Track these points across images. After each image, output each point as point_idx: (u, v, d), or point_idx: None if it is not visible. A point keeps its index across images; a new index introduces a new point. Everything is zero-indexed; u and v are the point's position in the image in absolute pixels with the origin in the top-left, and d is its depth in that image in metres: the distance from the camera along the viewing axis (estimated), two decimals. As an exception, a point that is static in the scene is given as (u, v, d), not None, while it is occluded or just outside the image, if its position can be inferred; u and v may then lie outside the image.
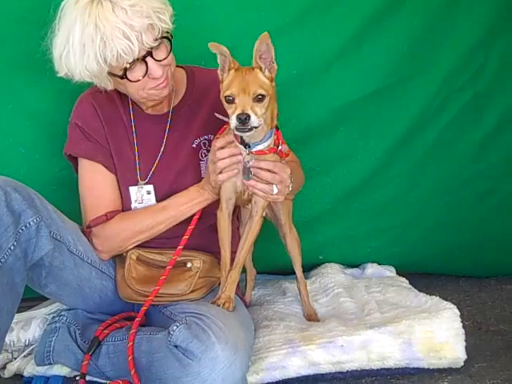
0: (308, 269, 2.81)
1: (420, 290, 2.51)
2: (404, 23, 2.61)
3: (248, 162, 1.96)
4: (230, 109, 1.86)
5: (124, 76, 2.00)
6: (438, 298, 2.34)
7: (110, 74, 2.03)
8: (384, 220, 2.83)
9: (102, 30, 1.91)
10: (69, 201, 2.26)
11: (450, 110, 2.73)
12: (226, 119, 1.99)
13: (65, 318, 2.14)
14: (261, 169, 1.97)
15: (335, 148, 2.70)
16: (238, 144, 1.98)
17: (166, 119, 2.22)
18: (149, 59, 1.99)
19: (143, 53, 1.97)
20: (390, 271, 2.83)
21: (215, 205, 2.13)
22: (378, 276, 2.78)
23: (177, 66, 2.21)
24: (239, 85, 1.84)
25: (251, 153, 1.96)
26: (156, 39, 1.97)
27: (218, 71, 1.93)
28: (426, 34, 2.64)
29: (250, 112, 1.81)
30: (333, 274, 2.73)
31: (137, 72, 2.01)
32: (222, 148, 1.99)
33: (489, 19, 2.68)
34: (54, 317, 2.17)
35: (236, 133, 1.90)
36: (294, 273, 2.42)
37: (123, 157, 2.21)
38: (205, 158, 2.20)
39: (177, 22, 2.37)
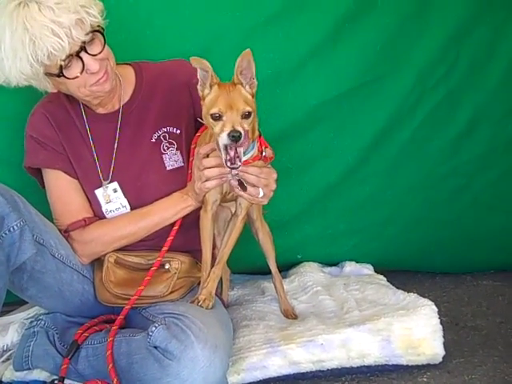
0: (286, 268, 2.83)
1: (398, 287, 2.53)
2: (377, 23, 2.62)
3: (237, 174, 1.97)
4: (216, 125, 1.84)
5: (61, 74, 1.99)
6: (415, 295, 2.36)
7: (47, 74, 2.02)
8: (361, 218, 2.84)
9: (31, 30, 1.90)
10: (46, 204, 2.23)
11: (423, 108, 2.75)
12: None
13: (43, 322, 2.12)
14: (247, 173, 1.98)
15: (311, 147, 2.70)
16: None
17: (117, 117, 2.21)
18: (83, 54, 1.99)
19: (76, 48, 1.97)
20: (367, 269, 2.84)
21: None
22: (357, 274, 2.79)
23: (124, 64, 2.23)
24: (226, 102, 1.84)
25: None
26: (87, 33, 1.97)
27: (198, 86, 1.92)
28: (399, 33, 2.65)
29: (240, 129, 1.80)
30: (311, 273, 2.73)
31: (73, 69, 2.00)
32: (208, 154, 2.00)
33: (460, 17, 2.70)
34: (32, 321, 2.15)
35: (223, 150, 1.87)
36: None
37: (82, 160, 2.20)
38: (167, 151, 2.20)
39: (149, 22, 2.46)
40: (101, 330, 2.09)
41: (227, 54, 2.38)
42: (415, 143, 2.78)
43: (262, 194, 2.02)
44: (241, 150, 1.86)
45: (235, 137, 1.80)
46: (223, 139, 1.82)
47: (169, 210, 2.15)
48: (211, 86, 1.89)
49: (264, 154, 2.01)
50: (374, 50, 2.64)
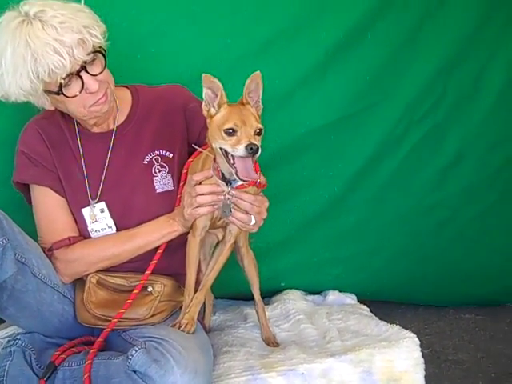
0: (270, 295, 2.81)
1: (380, 318, 2.51)
2: (366, 54, 2.65)
3: (229, 198, 1.98)
4: (229, 140, 1.85)
5: (60, 92, 2.00)
6: (398, 326, 2.34)
7: (46, 91, 2.03)
8: (346, 247, 2.84)
9: (33, 47, 1.92)
10: (30, 223, 2.22)
11: (410, 140, 2.77)
12: (202, 150, 2.04)
13: (20, 342, 2.06)
14: (241, 199, 1.99)
15: (298, 175, 2.71)
16: (218, 180, 1.99)
17: (111, 136, 2.22)
18: (84, 74, 2.00)
19: (77, 67, 1.98)
20: (351, 299, 2.81)
21: None
22: (339, 303, 2.76)
23: (121, 86, 2.25)
24: (239, 117, 1.86)
25: (232, 188, 1.98)
26: (88, 53, 1.99)
27: (203, 105, 1.94)
28: (388, 64, 2.68)
29: (257, 143, 1.82)
30: (294, 301, 2.71)
31: (73, 87, 2.01)
32: (200, 182, 2.00)
33: (448, 50, 2.74)
34: (9, 340, 2.09)
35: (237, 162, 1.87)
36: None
37: (72, 179, 2.20)
38: (158, 174, 2.20)
39: (142, 48, 2.47)
40: (79, 351, 2.05)
41: (218, 78, 2.41)
42: (401, 174, 2.80)
43: (253, 221, 2.02)
44: (251, 163, 1.87)
45: (253, 150, 1.81)
46: (240, 151, 1.83)
47: (154, 233, 2.13)
48: (219, 106, 1.91)
49: (259, 180, 2.01)
50: (363, 81, 2.67)
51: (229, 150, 1.86)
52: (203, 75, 1.89)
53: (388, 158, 2.77)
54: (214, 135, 1.91)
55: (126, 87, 2.30)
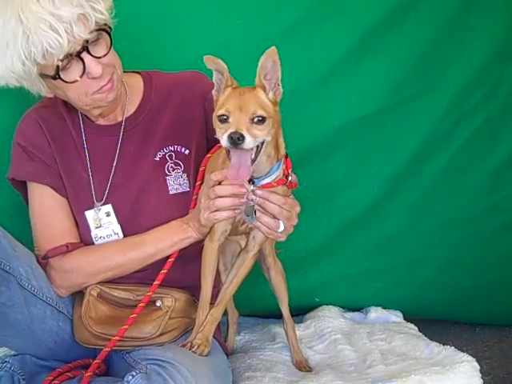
0: (303, 312, 2.69)
1: (431, 339, 2.38)
2: (409, 37, 2.51)
3: (252, 200, 1.80)
4: (222, 129, 1.68)
5: (57, 76, 1.83)
6: (453, 348, 2.22)
7: (42, 75, 1.87)
8: (388, 258, 2.70)
9: (25, 22, 1.76)
10: (29, 228, 2.09)
11: (460, 135, 2.62)
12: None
13: (9, 366, 1.91)
14: (268, 201, 1.81)
15: (332, 175, 2.58)
16: None
17: (119, 130, 2.07)
18: (85, 55, 1.83)
19: (77, 47, 1.81)
20: (396, 316, 2.69)
21: None
22: (383, 321, 2.64)
23: (131, 72, 2.12)
24: (235, 103, 1.68)
25: (257, 188, 1.80)
26: (91, 31, 1.82)
27: (213, 91, 1.78)
28: (434, 49, 2.54)
29: (244, 132, 1.62)
30: (330, 318, 2.58)
31: (72, 71, 1.84)
32: (220, 182, 1.83)
33: (504, 34, 2.58)
34: None
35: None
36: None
37: (74, 177, 2.05)
38: (172, 173, 2.05)
39: (153, 31, 2.35)
40: (74, 376, 1.90)
41: (238, 66, 2.43)
42: (450, 174, 2.65)
43: (282, 227, 1.83)
44: (247, 159, 1.66)
45: (233, 138, 1.61)
46: (224, 141, 1.64)
47: (165, 240, 1.96)
48: (225, 89, 1.75)
49: (290, 178, 1.83)
50: (405, 68, 2.52)
51: (220, 139, 1.69)
52: (205, 57, 1.73)
53: (435, 155, 2.62)
54: (214, 124, 1.73)
55: (138, 73, 2.15)
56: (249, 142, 1.62)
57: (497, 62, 2.58)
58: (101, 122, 2.06)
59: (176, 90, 2.08)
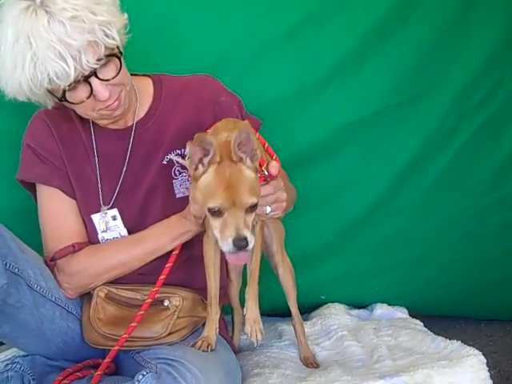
0: (309, 310, 2.68)
1: (436, 334, 2.36)
2: (411, 37, 2.51)
3: None
4: (215, 221, 1.65)
5: (63, 98, 1.82)
6: (459, 342, 2.20)
7: (49, 92, 1.84)
8: (393, 255, 2.68)
9: (34, 47, 1.72)
10: (36, 232, 2.08)
11: (463, 133, 2.62)
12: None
13: (19, 366, 1.91)
14: None
15: (335, 174, 2.57)
16: None
17: (129, 134, 2.05)
18: (93, 80, 1.80)
19: (85, 73, 1.78)
20: (401, 312, 2.67)
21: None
22: (389, 318, 2.61)
23: (142, 75, 2.10)
24: (227, 194, 1.63)
25: None
26: (100, 58, 1.78)
27: (188, 162, 1.72)
28: (436, 48, 2.54)
29: (246, 234, 1.61)
30: (337, 316, 2.57)
31: (79, 93, 1.82)
32: None
33: (504, 32, 2.58)
34: (7, 364, 1.93)
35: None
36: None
37: (83, 180, 2.04)
38: (179, 176, 2.03)
39: (158, 35, 2.37)
40: (84, 376, 1.89)
41: (241, 68, 2.40)
42: (454, 172, 2.65)
43: (269, 209, 1.82)
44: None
45: (241, 246, 1.60)
46: (228, 246, 1.62)
47: (165, 235, 1.96)
48: (209, 165, 1.67)
49: (266, 172, 1.79)
50: (407, 67, 2.52)
51: (216, 235, 1.65)
52: (196, 135, 1.65)
53: (438, 153, 2.62)
54: (200, 203, 1.71)
55: (148, 76, 2.13)
56: (252, 242, 1.61)
57: (498, 60, 2.57)
58: (111, 126, 2.03)
59: (186, 94, 2.06)
